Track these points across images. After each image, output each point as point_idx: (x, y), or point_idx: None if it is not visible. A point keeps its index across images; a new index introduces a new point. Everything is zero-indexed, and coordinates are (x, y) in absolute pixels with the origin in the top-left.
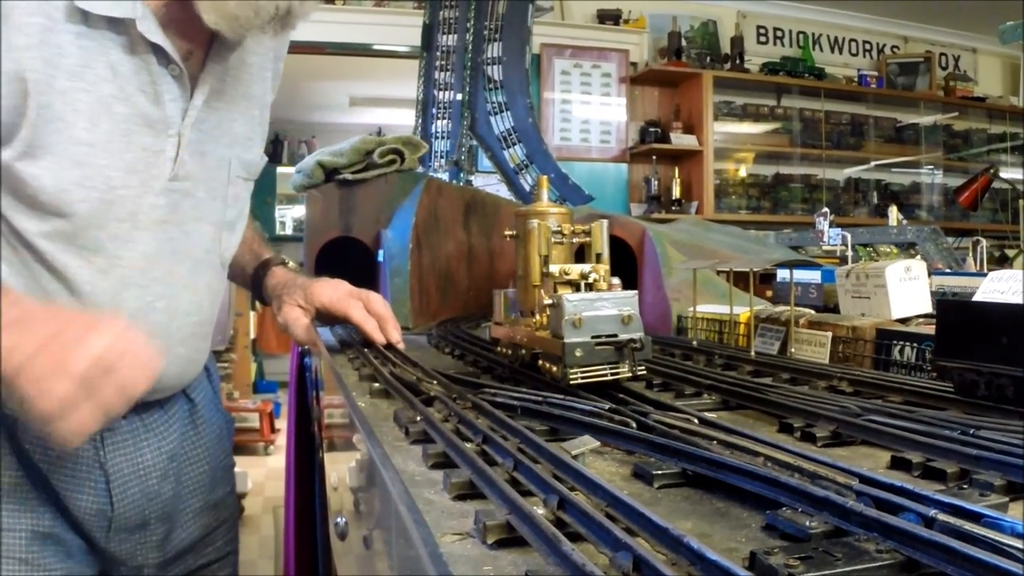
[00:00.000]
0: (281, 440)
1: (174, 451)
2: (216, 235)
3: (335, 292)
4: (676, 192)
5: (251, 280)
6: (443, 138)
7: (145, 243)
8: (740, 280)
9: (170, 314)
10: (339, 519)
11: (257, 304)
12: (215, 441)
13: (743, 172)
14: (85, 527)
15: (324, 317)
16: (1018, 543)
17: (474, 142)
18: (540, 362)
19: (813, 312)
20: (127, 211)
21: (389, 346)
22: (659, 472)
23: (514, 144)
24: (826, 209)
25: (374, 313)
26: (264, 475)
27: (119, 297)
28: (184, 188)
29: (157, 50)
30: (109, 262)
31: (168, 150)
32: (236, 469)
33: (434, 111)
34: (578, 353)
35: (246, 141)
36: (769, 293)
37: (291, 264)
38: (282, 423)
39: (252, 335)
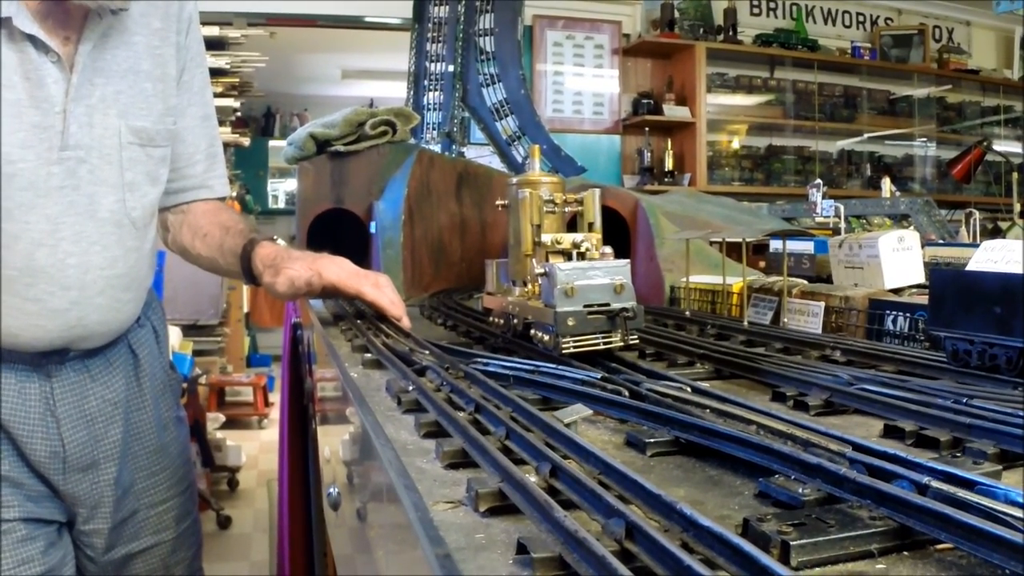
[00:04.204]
0: (275, 414)
1: (118, 399)
2: (118, 196)
3: (342, 270)
4: (669, 164)
5: (239, 256)
6: (435, 110)
7: (48, 207)
8: (733, 250)
9: (83, 269)
10: (331, 489)
11: None
12: (160, 393)
13: (736, 144)
14: (42, 470)
15: (328, 293)
16: (1012, 510)
17: (466, 114)
18: (532, 332)
19: (806, 282)
20: (27, 181)
21: (383, 318)
22: (652, 440)
23: (506, 116)
24: (819, 181)
25: (387, 295)
26: (258, 448)
27: (32, 257)
28: (77, 156)
29: (35, 40)
30: (19, 227)
31: (56, 125)
32: (230, 443)
33: (426, 83)
34: (570, 322)
35: (137, 111)
36: (762, 264)
37: (280, 241)
38: (276, 397)
39: (245, 309)
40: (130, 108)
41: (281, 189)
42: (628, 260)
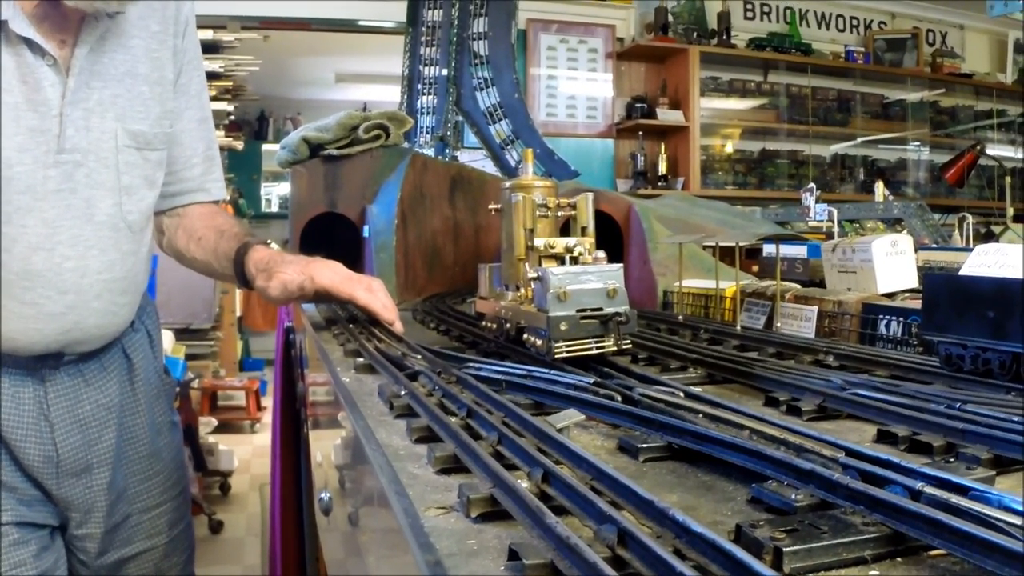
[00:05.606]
0: (267, 418)
1: (112, 403)
2: (115, 199)
3: (336, 274)
4: (663, 168)
5: (233, 260)
6: (429, 113)
7: (45, 211)
8: (726, 255)
9: (80, 272)
10: (323, 495)
11: None
12: (153, 397)
13: (730, 148)
14: (35, 474)
15: (321, 297)
16: (1006, 516)
17: (460, 117)
18: (525, 336)
19: (799, 287)
20: (24, 184)
21: (376, 322)
22: (644, 445)
23: (500, 119)
24: (812, 185)
25: (379, 299)
26: (251, 453)
27: (29, 260)
28: (74, 159)
29: (31, 44)
30: (16, 231)
31: (53, 128)
32: (222, 447)
33: (420, 87)
34: (563, 327)
35: (134, 114)
36: (755, 268)
37: (274, 245)
38: (268, 401)
39: (238, 313)
40: (127, 111)
41: (274, 193)
42: (621, 264)
